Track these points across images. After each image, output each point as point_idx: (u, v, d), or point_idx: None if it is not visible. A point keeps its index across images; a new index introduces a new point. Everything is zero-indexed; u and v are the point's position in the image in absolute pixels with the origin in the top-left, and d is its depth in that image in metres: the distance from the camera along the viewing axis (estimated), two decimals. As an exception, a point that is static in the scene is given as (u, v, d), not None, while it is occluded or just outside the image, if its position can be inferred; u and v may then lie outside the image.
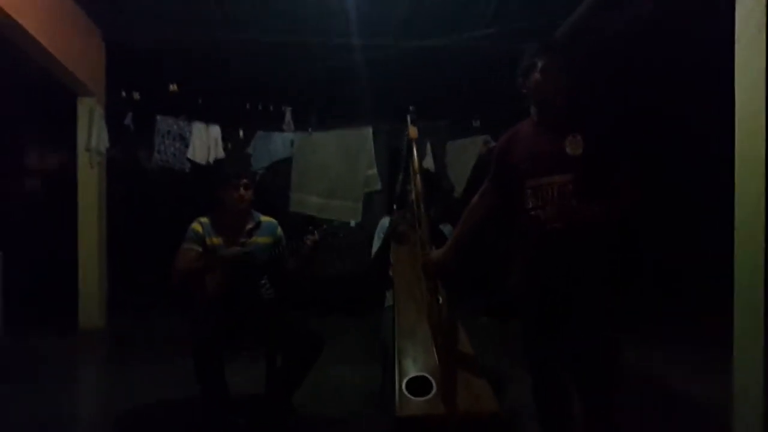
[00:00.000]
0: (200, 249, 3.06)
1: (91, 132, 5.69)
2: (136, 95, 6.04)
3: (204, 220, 3.16)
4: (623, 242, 2.24)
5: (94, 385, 4.49)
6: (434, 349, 2.41)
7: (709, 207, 3.81)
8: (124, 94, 6.02)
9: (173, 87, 5.90)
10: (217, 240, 3.10)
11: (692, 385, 3.84)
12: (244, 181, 3.15)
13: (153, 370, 4.38)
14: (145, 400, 3.60)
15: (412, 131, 2.94)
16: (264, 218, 3.27)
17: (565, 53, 2.30)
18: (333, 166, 6.35)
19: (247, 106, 6.19)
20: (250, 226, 3.19)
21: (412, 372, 2.28)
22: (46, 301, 6.00)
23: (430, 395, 2.15)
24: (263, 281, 3.22)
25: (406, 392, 2.16)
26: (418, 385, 2.20)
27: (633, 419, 2.72)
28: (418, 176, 2.83)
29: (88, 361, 5.09)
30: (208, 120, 6.19)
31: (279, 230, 3.29)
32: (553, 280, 2.21)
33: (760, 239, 2.60)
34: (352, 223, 6.20)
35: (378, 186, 6.35)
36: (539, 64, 2.19)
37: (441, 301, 2.55)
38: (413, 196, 2.87)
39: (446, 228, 3.33)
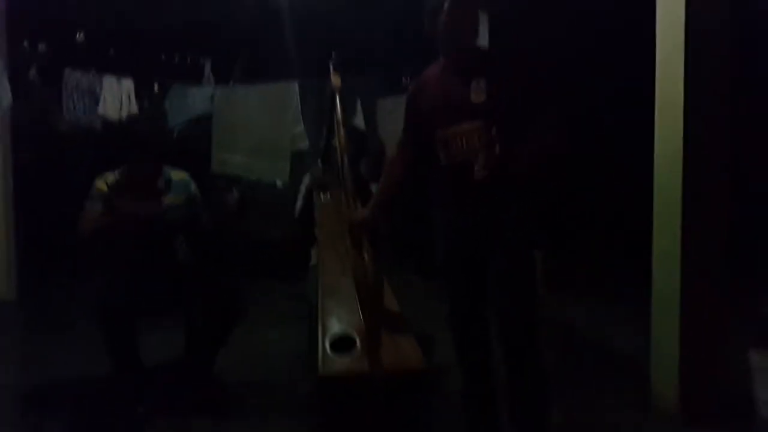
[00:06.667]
0: (102, 208, 2.82)
1: (-9, 86, 5.26)
2: (42, 47, 5.59)
3: (109, 177, 2.93)
4: (543, 190, 2.18)
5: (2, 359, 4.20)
6: (358, 306, 2.35)
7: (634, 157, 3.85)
8: (27, 45, 5.55)
9: (80, 36, 5.48)
10: (123, 199, 2.86)
11: (614, 335, 3.97)
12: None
13: (66, 341, 4.08)
14: (54, 375, 3.38)
15: (335, 79, 2.81)
16: (175, 174, 3.05)
17: None
18: (257, 123, 6.03)
19: (163, 57, 5.83)
20: (159, 184, 2.97)
21: (336, 329, 2.21)
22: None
23: (353, 353, 2.08)
24: (178, 241, 3.04)
25: (328, 350, 2.09)
26: (342, 343, 2.14)
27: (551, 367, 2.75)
28: (341, 128, 2.71)
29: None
30: (120, 73, 5.80)
31: (193, 186, 3.08)
32: (465, 234, 2.15)
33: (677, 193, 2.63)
34: (279, 183, 5.99)
35: (305, 144, 6.09)
36: (446, 4, 2.06)
37: (366, 258, 2.47)
38: (338, 150, 2.75)
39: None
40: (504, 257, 2.06)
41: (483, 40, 2.22)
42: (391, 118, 6.47)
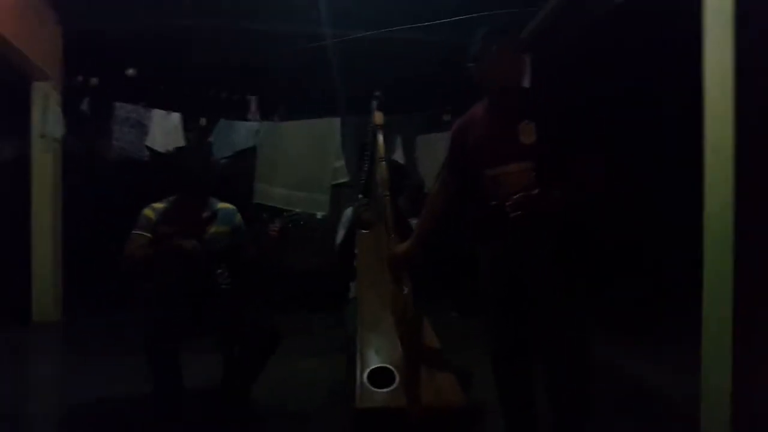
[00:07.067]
0: (149, 236, 2.90)
1: (47, 117, 5.49)
2: (94, 81, 5.82)
3: (157, 206, 3.01)
4: (586, 232, 2.16)
5: (47, 379, 4.24)
6: (398, 341, 2.33)
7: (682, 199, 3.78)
8: (81, 79, 5.79)
9: (131, 71, 5.69)
10: (170, 228, 2.94)
11: (663, 381, 3.82)
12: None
13: (109, 363, 4.19)
14: (99, 395, 3.43)
15: (378, 117, 2.85)
16: (221, 205, 3.13)
17: (518, 38, 2.22)
18: (299, 157, 6.17)
19: (211, 93, 6.00)
20: (206, 214, 3.04)
21: (374, 363, 2.20)
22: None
23: (391, 387, 2.06)
24: (220, 270, 3.09)
25: (367, 383, 2.08)
26: (380, 377, 2.12)
27: (601, 414, 2.66)
28: (383, 163, 2.74)
29: (41, 354, 4.88)
30: (168, 107, 5.99)
31: (238, 217, 3.16)
32: (514, 271, 2.13)
33: (728, 230, 2.55)
34: (319, 215, 6.06)
35: (346, 178, 6.21)
36: (494, 48, 2.09)
37: (406, 291, 2.47)
38: (379, 185, 2.78)
39: None
40: (548, 297, 2.04)
41: (526, 81, 2.24)
42: (431, 154, 6.52)
